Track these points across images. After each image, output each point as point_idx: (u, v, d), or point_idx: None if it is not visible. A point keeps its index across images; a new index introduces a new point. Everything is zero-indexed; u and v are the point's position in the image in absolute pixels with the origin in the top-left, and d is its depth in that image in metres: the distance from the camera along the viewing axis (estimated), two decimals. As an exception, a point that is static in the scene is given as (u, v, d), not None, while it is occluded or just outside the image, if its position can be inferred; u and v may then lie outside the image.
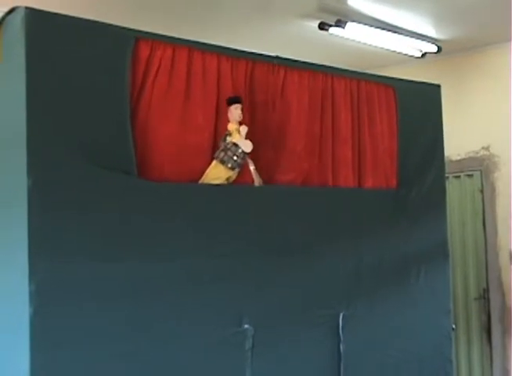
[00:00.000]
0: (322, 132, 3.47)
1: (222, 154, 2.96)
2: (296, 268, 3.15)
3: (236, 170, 3.01)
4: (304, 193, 3.32)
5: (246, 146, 3.00)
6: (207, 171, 2.96)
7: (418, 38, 5.35)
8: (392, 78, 3.96)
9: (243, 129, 3.02)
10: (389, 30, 5.09)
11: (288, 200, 3.21)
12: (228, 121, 3.03)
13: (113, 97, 2.68)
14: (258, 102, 3.25)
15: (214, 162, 2.97)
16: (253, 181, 3.10)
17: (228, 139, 3.00)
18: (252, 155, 3.11)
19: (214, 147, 3.03)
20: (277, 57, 3.35)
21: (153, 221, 2.70)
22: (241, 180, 3.09)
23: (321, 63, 3.57)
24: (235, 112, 3.00)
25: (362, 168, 3.65)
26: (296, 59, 3.44)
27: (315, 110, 3.44)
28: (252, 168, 3.08)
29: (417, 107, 3.95)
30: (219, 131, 3.06)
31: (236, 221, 2.98)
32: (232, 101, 3.02)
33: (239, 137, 2.99)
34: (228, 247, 2.90)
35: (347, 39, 5.16)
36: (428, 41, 5.44)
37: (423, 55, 5.64)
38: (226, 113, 3.05)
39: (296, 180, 3.35)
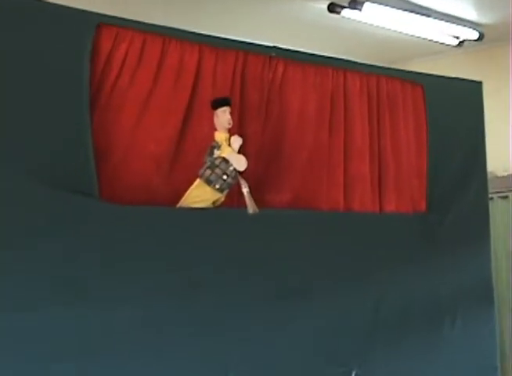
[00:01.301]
0: (332, 142, 3.48)
1: (209, 172, 2.94)
2: (297, 314, 3.15)
3: (225, 192, 3.02)
4: (306, 220, 3.32)
5: (240, 163, 2.96)
6: (188, 191, 2.97)
7: (454, 23, 5.32)
8: (421, 74, 4.00)
9: (236, 141, 3.00)
10: (417, 13, 5.07)
11: (286, 229, 3.22)
12: (215, 129, 3.04)
13: (68, 98, 2.73)
14: (250, 104, 3.27)
15: (197, 181, 2.97)
16: (245, 206, 3.05)
17: (216, 152, 2.99)
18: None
19: (181, 161, 3.05)
20: (275, 48, 3.38)
21: (115, 254, 2.73)
22: (230, 204, 3.10)
23: (331, 55, 3.61)
24: (223, 117, 3.00)
25: (383, 188, 3.65)
26: (299, 50, 3.47)
27: (322, 114, 3.46)
28: (246, 190, 3.03)
29: (452, 110, 3.98)
30: (188, 142, 3.08)
31: (221, 256, 2.98)
32: (219, 103, 3.01)
33: (229, 150, 2.98)
34: (211, 291, 2.90)
35: (364, 24, 5.16)
36: (467, 27, 5.42)
37: (461, 43, 5.62)
38: (200, 118, 3.06)
39: (295, 202, 3.33)
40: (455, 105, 3.99)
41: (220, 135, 3.01)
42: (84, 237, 2.65)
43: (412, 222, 3.69)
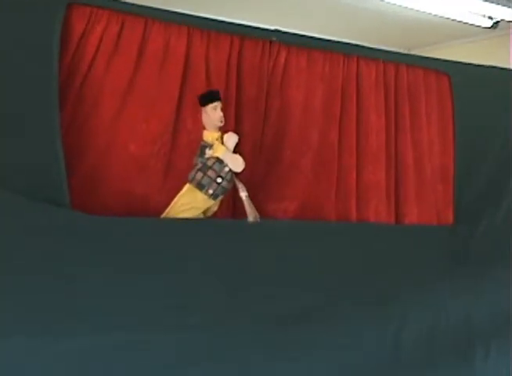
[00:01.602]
0: (342, 142, 3.39)
1: (200, 175, 2.88)
2: (303, 343, 2.88)
3: (219, 199, 2.94)
4: (313, 232, 3.20)
5: (236, 163, 2.90)
6: (176, 198, 2.90)
7: (487, 0, 5.23)
8: (447, 61, 3.86)
9: (231, 138, 2.92)
10: None
11: (291, 243, 3.08)
12: (203, 128, 2.95)
13: (34, 92, 2.67)
14: (247, 97, 3.20)
15: (186, 186, 2.90)
16: (245, 214, 2.98)
17: (208, 152, 2.91)
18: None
19: (171, 162, 3.02)
20: (276, 31, 3.28)
21: (90, 272, 2.58)
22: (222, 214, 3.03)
23: (341, 40, 3.51)
24: (213, 114, 2.91)
25: (402, 195, 3.57)
26: (304, 34, 3.36)
27: (331, 109, 3.37)
28: (244, 194, 2.96)
29: (483, 103, 3.85)
30: (179, 141, 3.04)
31: (212, 273, 2.83)
32: (208, 98, 2.91)
33: (224, 150, 2.90)
34: (204, 315, 2.67)
35: (382, 3, 4.94)
36: (502, 4, 5.32)
37: (495, 25, 5.51)
38: (194, 112, 2.99)
39: (300, 211, 3.28)
40: (486, 97, 3.85)
41: (210, 135, 2.92)
42: (55, 250, 2.56)
43: (438, 235, 3.56)
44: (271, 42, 3.25)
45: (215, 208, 2.96)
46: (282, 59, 3.26)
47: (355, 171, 3.41)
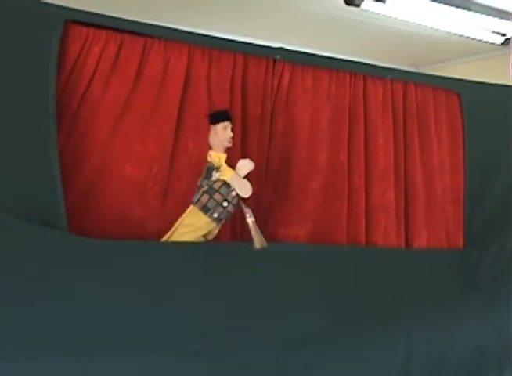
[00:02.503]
0: (351, 162, 3.38)
1: (206, 198, 2.84)
2: (310, 369, 2.87)
3: (222, 222, 2.92)
4: (320, 256, 3.18)
5: (244, 189, 2.86)
6: (180, 220, 2.86)
7: (497, 16, 5.24)
8: (457, 80, 3.87)
9: (246, 166, 2.87)
10: (454, 5, 4.93)
11: (297, 266, 3.07)
12: (209, 148, 2.92)
13: (31, 114, 2.65)
14: (251, 117, 3.18)
15: (190, 208, 2.87)
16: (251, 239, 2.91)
17: (215, 175, 2.87)
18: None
19: (170, 186, 3.01)
20: (280, 49, 3.27)
21: (86, 296, 2.58)
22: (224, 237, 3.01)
23: (348, 58, 3.50)
24: (223, 134, 2.87)
25: (412, 218, 3.54)
26: (309, 51, 3.37)
27: (338, 129, 3.35)
28: (251, 220, 2.91)
29: (495, 122, 3.84)
30: (179, 164, 3.02)
31: (217, 298, 2.81)
32: (219, 117, 2.89)
33: (232, 174, 2.86)
34: (205, 339, 2.67)
35: (388, 19, 4.93)
36: None
37: (507, 41, 5.49)
38: (194, 133, 3.00)
39: (309, 234, 3.25)
40: (498, 116, 3.85)
41: (217, 156, 2.88)
42: (52, 273, 2.55)
43: (448, 260, 3.55)
44: (275, 61, 3.24)
45: (216, 232, 2.93)
46: (286, 78, 3.25)
47: (364, 193, 3.39)
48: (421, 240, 3.54)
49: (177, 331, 2.64)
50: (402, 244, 3.51)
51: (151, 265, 2.76)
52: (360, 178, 3.38)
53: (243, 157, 2.94)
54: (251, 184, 2.91)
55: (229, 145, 2.90)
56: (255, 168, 3.12)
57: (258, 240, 2.89)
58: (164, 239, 2.88)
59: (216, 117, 2.88)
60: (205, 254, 2.91)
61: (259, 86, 3.19)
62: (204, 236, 2.92)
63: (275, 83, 3.24)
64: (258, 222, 3.03)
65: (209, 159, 2.90)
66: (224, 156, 2.89)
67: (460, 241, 3.66)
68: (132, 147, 2.94)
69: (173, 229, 2.87)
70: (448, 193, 3.67)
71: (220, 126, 2.87)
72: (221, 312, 2.78)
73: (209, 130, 2.92)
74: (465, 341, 3.41)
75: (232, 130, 2.90)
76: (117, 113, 2.91)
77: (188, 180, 3.02)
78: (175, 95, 3.01)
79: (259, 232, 2.91)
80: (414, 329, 3.25)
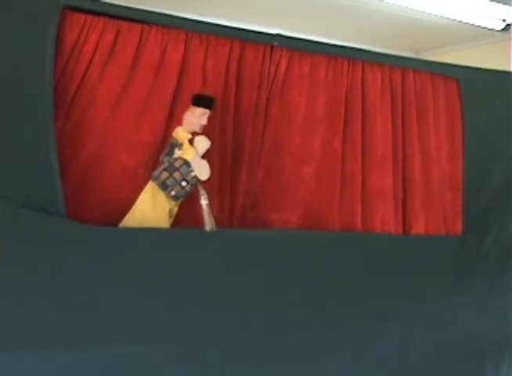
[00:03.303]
0: (346, 149, 3.39)
1: (165, 175, 2.88)
2: (302, 358, 2.92)
3: (181, 200, 2.95)
4: (316, 242, 3.19)
5: (203, 172, 2.91)
6: (138, 200, 2.90)
7: (497, 1, 5.21)
8: (456, 66, 3.86)
9: (202, 142, 2.92)
10: None
11: (286, 253, 3.07)
12: (180, 124, 2.97)
13: (29, 100, 2.69)
14: (247, 104, 3.21)
15: (149, 184, 2.91)
16: (202, 222, 2.97)
17: (177, 152, 2.92)
18: (235, 180, 3.10)
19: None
20: (277, 36, 3.29)
21: (85, 284, 2.60)
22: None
23: (346, 44, 3.51)
24: (198, 117, 2.92)
25: (409, 204, 3.55)
26: (307, 38, 3.38)
27: (335, 116, 3.36)
28: (205, 202, 2.96)
29: (494, 108, 3.85)
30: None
31: (209, 283, 2.82)
32: (202, 103, 2.94)
33: (194, 154, 2.91)
34: (192, 325, 2.70)
35: (387, 4, 4.94)
36: None
37: (507, 27, 5.48)
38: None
39: (301, 221, 3.27)
40: (497, 103, 3.85)
41: (182, 134, 2.93)
42: (50, 260, 2.58)
43: (446, 246, 3.56)
44: (272, 47, 3.25)
45: (175, 211, 2.96)
46: (284, 65, 3.26)
47: (361, 179, 3.40)
48: (419, 227, 3.55)
49: (171, 319, 2.66)
50: (400, 230, 3.51)
51: (145, 251, 2.77)
52: (356, 164, 3.39)
53: (201, 134, 2.97)
54: (244, 168, 3.03)
55: (199, 131, 2.94)
56: (250, 152, 3.19)
57: (209, 224, 2.94)
58: (127, 216, 2.90)
59: (200, 101, 2.92)
60: (197, 240, 2.92)
61: (256, 72, 3.20)
62: (168, 212, 2.94)
63: (272, 69, 3.26)
64: (251, 205, 3.12)
65: (174, 135, 2.94)
66: (188, 136, 2.91)
67: (459, 227, 3.66)
68: (127, 134, 2.97)
69: (133, 207, 2.90)
70: (447, 179, 3.67)
71: (200, 110, 2.91)
72: (211, 300, 2.79)
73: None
74: (463, 328, 3.43)
75: (209, 118, 2.94)
76: (114, 100, 2.94)
77: None
78: (171, 83, 3.04)
79: (211, 215, 2.96)
80: (411, 315, 3.27)
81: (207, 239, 2.95)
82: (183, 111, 3.00)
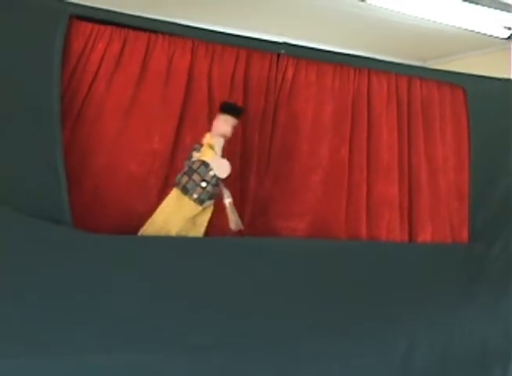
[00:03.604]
0: (353, 157, 3.40)
1: (185, 179, 2.88)
2: (306, 365, 2.88)
3: (207, 204, 2.92)
4: (321, 250, 3.19)
5: (222, 169, 2.88)
6: (162, 204, 2.89)
7: (504, 10, 5.24)
8: (462, 74, 3.87)
9: (217, 141, 2.91)
10: None
11: (294, 261, 3.07)
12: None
13: (35, 111, 2.70)
14: (254, 112, 3.22)
15: (173, 191, 2.91)
16: (227, 222, 2.96)
17: (195, 155, 2.93)
18: (243, 187, 3.10)
19: (169, 179, 3.04)
20: (284, 44, 3.31)
21: (90, 291, 2.60)
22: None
23: (353, 53, 3.52)
24: (223, 126, 2.92)
25: (415, 212, 3.56)
26: (313, 46, 3.39)
27: (341, 124, 3.38)
28: (228, 201, 2.94)
29: (500, 117, 3.84)
30: (178, 157, 3.06)
31: (217, 291, 2.82)
32: (227, 109, 2.94)
33: (211, 153, 2.90)
34: (204, 335, 2.68)
35: (394, 13, 4.93)
36: None
37: (513, 35, 5.53)
38: (194, 129, 3.04)
39: (308, 228, 3.28)
40: (503, 111, 3.85)
41: (208, 138, 2.94)
42: (55, 268, 2.58)
43: (452, 254, 3.55)
44: (279, 55, 3.26)
45: (206, 217, 2.93)
46: (290, 73, 3.27)
47: (366, 188, 3.40)
48: (425, 235, 3.55)
49: (177, 327, 2.66)
50: (406, 238, 3.51)
51: (154, 260, 2.77)
52: (362, 172, 3.40)
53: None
54: (251, 176, 3.02)
55: (226, 137, 2.93)
56: (257, 160, 3.20)
57: (234, 221, 2.92)
58: (148, 222, 2.90)
59: (223, 108, 2.93)
60: (205, 248, 2.93)
61: (262, 80, 3.22)
62: (193, 220, 2.92)
63: (279, 77, 3.27)
64: (258, 213, 3.12)
65: (203, 140, 2.93)
66: (212, 140, 2.90)
67: (465, 236, 3.66)
68: (137, 143, 2.98)
69: (155, 213, 2.89)
70: (453, 187, 3.67)
71: (222, 117, 2.92)
72: (219, 307, 2.79)
73: (206, 123, 3.03)
74: (469, 335, 3.41)
75: (233, 128, 2.94)
76: (122, 109, 2.95)
77: None
78: (179, 91, 3.05)
79: (236, 213, 2.93)
80: (417, 323, 3.26)
81: (213, 247, 2.96)
82: (192, 120, 3.03)
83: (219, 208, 2.97)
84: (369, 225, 3.41)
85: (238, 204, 3.19)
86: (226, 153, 3.06)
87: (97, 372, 2.46)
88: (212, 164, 2.87)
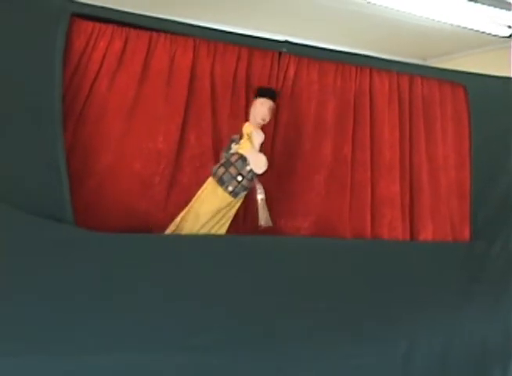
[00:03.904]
0: (355, 156, 3.41)
1: (222, 171, 2.91)
2: (305, 365, 2.87)
3: (241, 196, 2.95)
4: (325, 249, 3.20)
5: (259, 164, 2.89)
6: (199, 192, 2.91)
7: (504, 8, 5.24)
8: (463, 73, 3.88)
9: (257, 136, 2.92)
10: None
11: (300, 259, 3.08)
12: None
13: (36, 110, 2.70)
14: None
15: (209, 179, 2.93)
16: (257, 218, 2.97)
17: (234, 147, 2.95)
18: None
19: (174, 179, 3.04)
20: (286, 42, 3.31)
21: (92, 290, 2.60)
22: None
23: (354, 51, 3.53)
24: (259, 109, 2.95)
25: (417, 211, 3.57)
26: (315, 44, 3.39)
27: (343, 123, 3.38)
28: (260, 197, 2.96)
29: (501, 115, 3.86)
30: (183, 156, 3.06)
31: (220, 293, 2.82)
32: (262, 92, 2.98)
33: (249, 147, 2.92)
34: (206, 336, 2.68)
35: (394, 11, 4.92)
36: None
37: (514, 33, 5.53)
38: (198, 127, 3.05)
39: (312, 227, 3.29)
40: (504, 109, 3.86)
41: (248, 128, 2.95)
42: (57, 267, 2.57)
43: (453, 253, 3.55)
44: (280, 54, 3.27)
45: (234, 210, 2.96)
46: (292, 71, 3.28)
47: (369, 187, 3.41)
48: (427, 234, 3.56)
49: (178, 327, 2.66)
50: (408, 236, 3.52)
51: (156, 259, 2.78)
52: (365, 171, 3.41)
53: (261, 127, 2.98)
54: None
55: (262, 122, 2.96)
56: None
57: (263, 218, 2.94)
58: (184, 210, 2.93)
59: (260, 92, 2.97)
60: (207, 247, 2.92)
61: (264, 79, 3.22)
62: (222, 211, 2.96)
63: (281, 76, 3.27)
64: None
65: (243, 129, 2.95)
66: (250, 128, 2.93)
67: (466, 234, 3.67)
68: (141, 143, 2.98)
69: (194, 200, 2.92)
70: (454, 186, 3.68)
71: (259, 101, 2.95)
72: (219, 307, 2.79)
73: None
74: (469, 335, 3.40)
75: (272, 110, 2.97)
76: (124, 108, 2.95)
77: (190, 172, 3.08)
78: (182, 90, 3.05)
79: (267, 210, 2.95)
80: (418, 322, 3.26)
81: (215, 245, 2.96)
82: (195, 118, 3.03)
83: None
84: (373, 223, 3.43)
85: (242, 202, 3.20)
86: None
87: (97, 372, 2.46)
88: (249, 159, 2.89)
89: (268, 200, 3.18)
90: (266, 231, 3.13)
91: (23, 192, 2.65)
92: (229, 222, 2.99)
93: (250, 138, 2.91)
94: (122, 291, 2.65)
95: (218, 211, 2.92)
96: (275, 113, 3.23)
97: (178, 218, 2.93)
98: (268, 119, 2.96)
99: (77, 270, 2.61)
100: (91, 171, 2.90)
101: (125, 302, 2.62)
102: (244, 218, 3.16)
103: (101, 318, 2.54)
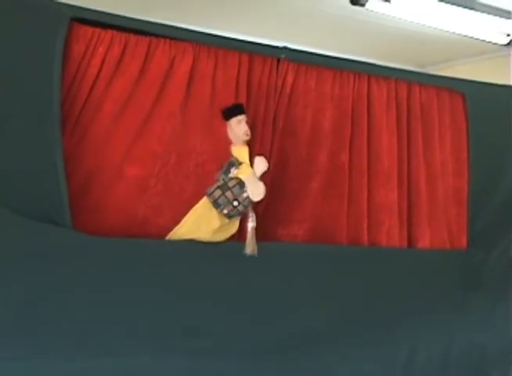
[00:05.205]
0: (353, 163, 3.42)
1: (218, 194, 2.92)
2: (309, 371, 2.90)
3: (235, 219, 2.98)
4: (320, 256, 3.22)
5: (256, 192, 2.92)
6: (192, 210, 2.93)
7: (503, 16, 5.26)
8: (461, 80, 3.92)
9: (260, 164, 2.95)
10: (459, 5, 4.92)
11: (294, 267, 3.11)
12: (230, 142, 3.01)
13: (35, 115, 2.72)
14: (254, 117, 3.22)
15: (204, 199, 2.95)
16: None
17: (234, 171, 2.96)
18: None
19: (176, 184, 3.04)
20: (285, 49, 3.32)
21: (90, 294, 2.63)
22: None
23: (352, 58, 3.54)
24: (238, 128, 2.97)
25: (415, 218, 3.58)
26: (313, 51, 3.42)
27: (341, 129, 3.39)
28: (251, 225, 2.99)
29: (499, 123, 3.89)
30: (187, 163, 3.07)
31: (217, 297, 2.86)
32: (232, 112, 2.99)
33: (250, 173, 2.94)
34: (205, 339, 2.70)
35: (393, 19, 4.93)
36: None
37: (512, 42, 5.55)
38: (194, 132, 3.04)
39: (308, 234, 3.29)
40: (502, 117, 3.89)
41: (239, 150, 2.98)
42: (55, 271, 2.60)
43: (451, 260, 3.58)
44: (279, 60, 3.28)
45: (233, 230, 2.99)
46: (290, 78, 3.29)
47: (367, 194, 3.42)
48: (424, 241, 3.57)
49: (177, 329, 2.67)
50: (405, 244, 3.54)
51: (153, 264, 2.80)
52: (362, 178, 3.42)
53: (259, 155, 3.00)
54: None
55: (247, 138, 2.98)
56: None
57: (250, 247, 2.96)
58: (176, 227, 2.95)
59: (229, 113, 2.98)
60: (205, 252, 2.95)
61: (263, 85, 3.23)
62: (217, 232, 2.97)
63: (280, 82, 3.28)
64: (259, 219, 3.09)
65: (233, 153, 2.97)
66: (245, 149, 2.96)
67: (464, 242, 3.69)
68: (136, 146, 2.99)
69: (186, 217, 2.94)
70: (452, 193, 3.70)
71: (234, 121, 2.97)
72: (220, 312, 2.81)
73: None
74: (467, 342, 3.41)
75: (246, 122, 2.98)
76: (121, 113, 2.97)
77: (196, 180, 3.09)
78: (179, 95, 3.05)
79: (254, 239, 2.98)
80: (416, 329, 3.27)
81: (213, 250, 2.98)
82: (194, 123, 3.05)
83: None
84: (370, 231, 3.43)
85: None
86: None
87: (96, 375, 2.46)
88: (248, 186, 2.91)
89: (264, 207, 3.20)
90: (262, 239, 3.14)
91: (22, 196, 2.67)
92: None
93: (249, 161, 2.94)
94: (121, 294, 2.67)
95: (215, 232, 2.96)
96: (274, 119, 3.25)
97: (168, 237, 2.96)
98: (249, 133, 2.98)
99: (75, 274, 2.63)
100: (89, 175, 2.91)
101: (123, 305, 2.64)
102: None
103: (99, 321, 2.55)
